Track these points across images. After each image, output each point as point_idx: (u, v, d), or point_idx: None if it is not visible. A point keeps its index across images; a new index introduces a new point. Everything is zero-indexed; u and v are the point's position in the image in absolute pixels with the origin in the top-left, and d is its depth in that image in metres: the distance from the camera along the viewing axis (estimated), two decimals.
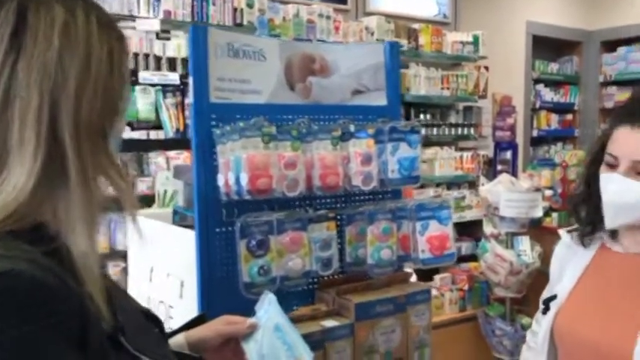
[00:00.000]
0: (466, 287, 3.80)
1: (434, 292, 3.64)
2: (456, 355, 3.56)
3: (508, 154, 4.21)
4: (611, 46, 5.21)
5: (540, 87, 5.04)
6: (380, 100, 1.52)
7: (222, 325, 1.03)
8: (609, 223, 1.20)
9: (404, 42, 3.73)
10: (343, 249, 1.39)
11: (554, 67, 5.14)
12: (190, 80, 1.27)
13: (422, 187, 3.99)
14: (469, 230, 4.25)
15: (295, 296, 1.36)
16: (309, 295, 1.40)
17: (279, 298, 1.05)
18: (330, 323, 1.24)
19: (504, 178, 3.59)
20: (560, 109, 5.19)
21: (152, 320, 0.86)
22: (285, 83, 1.40)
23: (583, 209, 1.29)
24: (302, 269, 1.26)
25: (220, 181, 1.23)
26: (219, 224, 1.26)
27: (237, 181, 1.16)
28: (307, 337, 1.15)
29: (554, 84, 5.17)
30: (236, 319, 1.03)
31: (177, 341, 0.97)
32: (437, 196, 4.01)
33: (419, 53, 3.86)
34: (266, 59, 1.37)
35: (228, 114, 1.29)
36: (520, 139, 4.66)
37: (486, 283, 3.77)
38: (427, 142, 4.00)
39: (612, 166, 1.20)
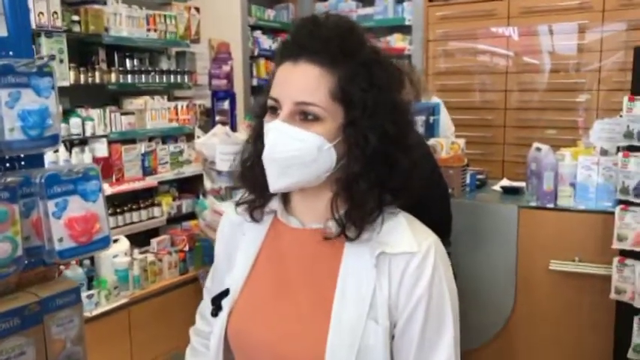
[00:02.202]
0: (186, 248, 3.55)
1: (150, 257, 3.32)
2: (180, 321, 3.32)
3: (226, 104, 3.99)
4: None
5: (258, 34, 4.91)
6: None
7: None
8: (272, 184, 0.97)
9: None
10: None
11: (270, 13, 5.05)
12: None
13: (132, 142, 3.57)
14: (189, 186, 3.98)
15: None
16: None
17: None
18: None
19: (219, 129, 3.36)
20: None
21: None
22: None
23: (250, 173, 1.05)
24: None
25: None
26: None
27: None
28: None
29: (271, 31, 5.09)
30: None
31: None
32: (150, 151, 3.63)
33: None
34: None
35: None
36: (239, 88, 4.49)
37: (209, 241, 3.58)
38: (135, 91, 3.56)
39: (275, 112, 0.97)
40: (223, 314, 1.05)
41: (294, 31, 1.00)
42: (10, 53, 1.07)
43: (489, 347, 2.93)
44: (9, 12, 1.09)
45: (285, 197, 1.07)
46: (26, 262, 0.99)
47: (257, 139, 1.02)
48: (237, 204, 1.10)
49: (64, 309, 1.01)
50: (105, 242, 1.03)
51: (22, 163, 1.11)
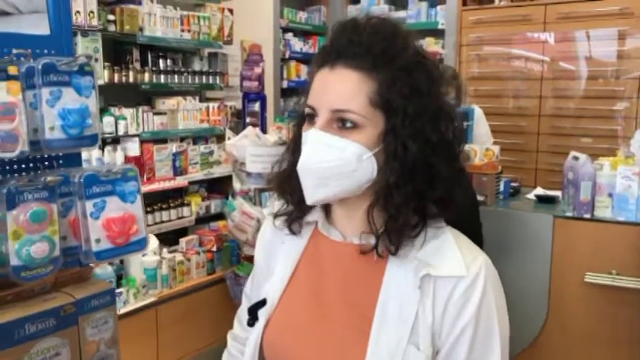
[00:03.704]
0: (214, 248, 3.55)
1: (178, 257, 3.32)
2: (206, 321, 3.33)
3: (256, 106, 3.98)
4: None
5: (289, 36, 4.90)
6: (39, 27, 1.08)
7: None
8: (309, 196, 0.93)
9: None
10: None
11: (302, 16, 5.04)
12: None
13: (164, 142, 3.58)
14: (219, 187, 3.99)
15: None
16: None
17: None
18: None
19: (250, 131, 3.36)
20: (309, 59, 5.14)
21: None
22: None
23: (289, 184, 1.00)
24: None
25: None
26: None
27: None
28: None
29: (302, 34, 5.08)
30: None
31: None
32: (181, 151, 3.64)
33: None
34: None
35: None
36: (270, 90, 4.48)
37: (236, 242, 3.57)
38: (168, 92, 3.58)
39: (312, 121, 0.93)
40: (259, 325, 1.02)
41: (332, 36, 0.95)
42: (52, 52, 1.07)
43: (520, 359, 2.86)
44: (52, 10, 1.09)
45: (327, 208, 1.03)
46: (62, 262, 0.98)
47: (295, 150, 0.98)
48: (275, 216, 1.06)
49: (99, 310, 1.00)
50: (141, 244, 1.02)
51: (60, 162, 1.11)
